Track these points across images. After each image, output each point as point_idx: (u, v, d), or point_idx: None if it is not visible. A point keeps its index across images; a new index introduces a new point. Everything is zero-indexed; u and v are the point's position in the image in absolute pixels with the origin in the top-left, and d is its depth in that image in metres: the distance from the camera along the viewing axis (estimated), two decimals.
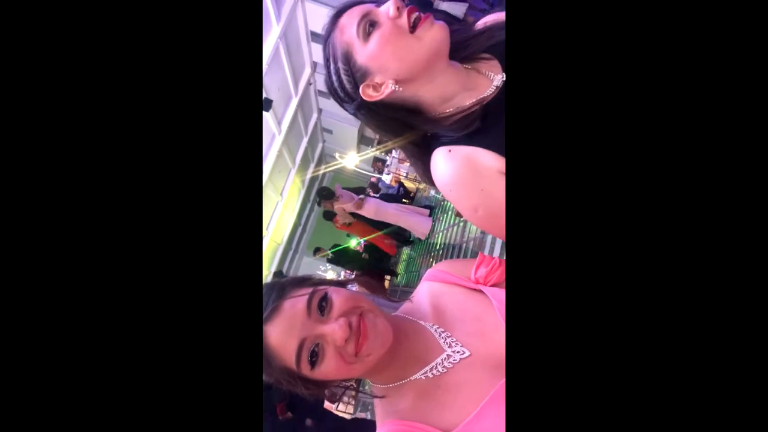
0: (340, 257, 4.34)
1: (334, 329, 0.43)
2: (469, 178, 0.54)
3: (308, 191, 7.49)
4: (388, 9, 0.48)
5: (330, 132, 7.26)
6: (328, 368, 0.44)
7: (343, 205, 3.35)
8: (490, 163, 0.53)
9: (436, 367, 0.48)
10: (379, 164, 6.06)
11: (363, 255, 4.53)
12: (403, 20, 0.48)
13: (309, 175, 7.25)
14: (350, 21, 0.50)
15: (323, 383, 0.46)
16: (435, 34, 0.49)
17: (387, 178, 5.34)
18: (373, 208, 3.39)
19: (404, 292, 3.91)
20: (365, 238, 4.08)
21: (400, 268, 4.89)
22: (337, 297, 0.46)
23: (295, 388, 0.45)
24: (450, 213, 3.26)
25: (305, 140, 6.27)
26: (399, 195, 4.81)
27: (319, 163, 7.63)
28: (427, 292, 0.58)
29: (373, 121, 0.56)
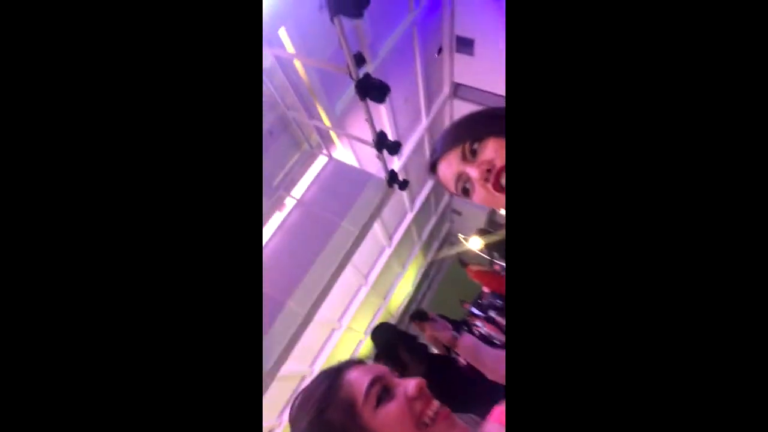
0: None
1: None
2: None
3: (429, 267, 7.51)
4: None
5: (459, 214, 7.36)
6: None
7: (436, 334, 2.59)
8: None
9: None
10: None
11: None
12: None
13: (432, 253, 7.35)
14: None
15: None
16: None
17: None
18: (471, 348, 2.40)
19: None
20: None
21: None
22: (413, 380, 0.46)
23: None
24: None
25: (434, 219, 6.51)
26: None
27: (443, 243, 7.70)
28: None
29: None
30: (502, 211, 0.55)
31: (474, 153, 0.51)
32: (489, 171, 0.50)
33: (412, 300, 7.35)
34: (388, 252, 5.00)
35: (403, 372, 2.36)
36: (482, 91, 4.04)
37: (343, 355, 4.18)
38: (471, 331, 2.72)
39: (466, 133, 0.52)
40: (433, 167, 0.58)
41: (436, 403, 0.45)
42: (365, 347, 4.98)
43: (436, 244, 7.51)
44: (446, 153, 0.54)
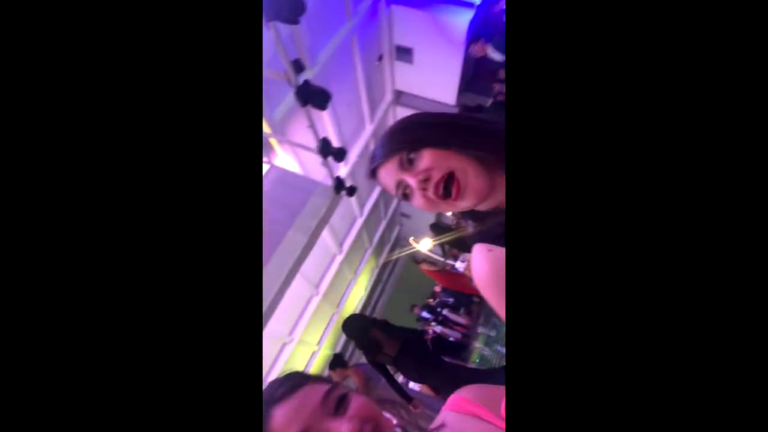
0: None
1: (341, 428, 0.39)
2: (502, 283, 0.51)
3: (381, 272, 7.57)
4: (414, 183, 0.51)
5: (408, 217, 7.53)
6: None
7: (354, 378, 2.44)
8: None
9: None
10: (454, 251, 5.99)
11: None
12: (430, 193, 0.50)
13: (384, 257, 7.42)
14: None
15: None
16: (466, 202, 0.51)
17: (461, 266, 5.20)
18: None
19: None
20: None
21: (475, 356, 4.42)
22: (356, 401, 0.42)
23: None
24: None
25: (384, 223, 6.59)
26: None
27: (394, 246, 7.82)
28: (449, 426, 0.49)
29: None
30: (448, 213, 0.57)
31: (411, 161, 0.53)
32: (426, 180, 0.51)
33: (366, 305, 7.35)
34: (339, 259, 4.95)
35: (380, 352, 2.36)
36: (423, 98, 4.18)
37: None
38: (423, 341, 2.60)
39: (402, 143, 0.54)
40: (372, 173, 0.59)
41: None
42: (319, 359, 4.87)
43: (387, 248, 7.60)
44: (384, 161, 0.55)
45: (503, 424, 0.46)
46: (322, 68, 2.97)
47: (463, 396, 0.51)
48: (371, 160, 0.58)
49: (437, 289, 7.09)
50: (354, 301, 6.38)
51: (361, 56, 3.44)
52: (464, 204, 0.52)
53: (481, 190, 0.51)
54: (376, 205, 5.66)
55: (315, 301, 4.52)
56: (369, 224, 5.76)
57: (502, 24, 3.44)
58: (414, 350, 2.26)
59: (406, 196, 0.55)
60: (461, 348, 5.48)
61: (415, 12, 3.49)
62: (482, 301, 4.82)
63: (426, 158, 0.52)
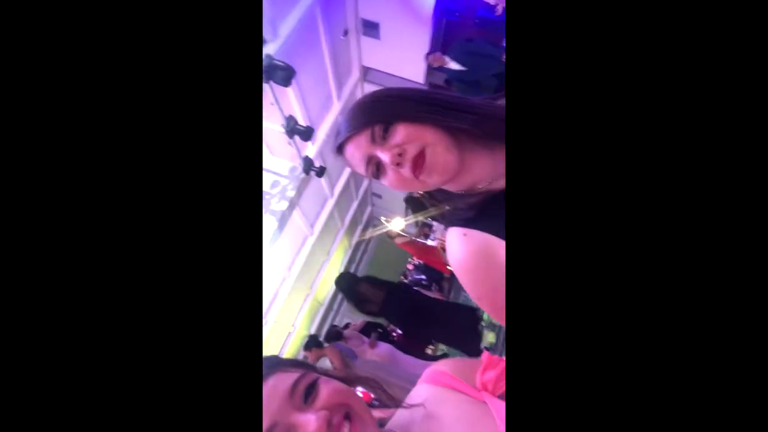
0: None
1: (309, 421, 0.37)
2: (477, 268, 0.51)
3: (354, 252, 7.60)
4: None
5: (379, 197, 7.53)
6: None
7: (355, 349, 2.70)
8: (504, 258, 0.49)
9: None
10: (425, 229, 6.10)
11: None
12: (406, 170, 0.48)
13: (356, 237, 7.44)
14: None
15: None
16: (438, 178, 0.50)
17: (432, 242, 5.31)
18: (387, 356, 2.69)
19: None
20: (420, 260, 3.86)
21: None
22: (325, 387, 0.40)
23: None
24: None
25: (355, 204, 6.56)
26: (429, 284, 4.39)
27: (366, 226, 7.84)
28: (424, 398, 0.49)
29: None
30: (419, 192, 0.56)
31: (384, 136, 0.50)
32: (401, 155, 0.49)
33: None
34: (311, 240, 4.91)
35: (367, 302, 2.53)
36: (391, 75, 4.11)
37: (271, 352, 4.05)
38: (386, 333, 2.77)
39: (374, 116, 0.51)
40: (339, 148, 0.56)
41: None
42: (295, 340, 4.89)
43: (359, 228, 7.60)
44: (354, 135, 0.52)
45: (479, 396, 0.47)
46: (285, 42, 2.84)
47: (439, 369, 0.52)
48: (338, 133, 0.54)
49: (410, 267, 7.22)
50: (328, 281, 6.40)
51: (325, 29, 3.31)
52: (434, 180, 0.51)
53: (450, 165, 0.50)
54: (347, 185, 5.61)
55: (288, 282, 4.50)
56: (340, 204, 5.72)
57: (461, 35, 3.40)
58: (397, 298, 2.50)
59: (376, 174, 0.52)
60: None
61: None
62: (452, 277, 4.97)
63: (401, 132, 0.50)
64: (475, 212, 0.53)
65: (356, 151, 0.53)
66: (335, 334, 3.05)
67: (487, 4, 3.24)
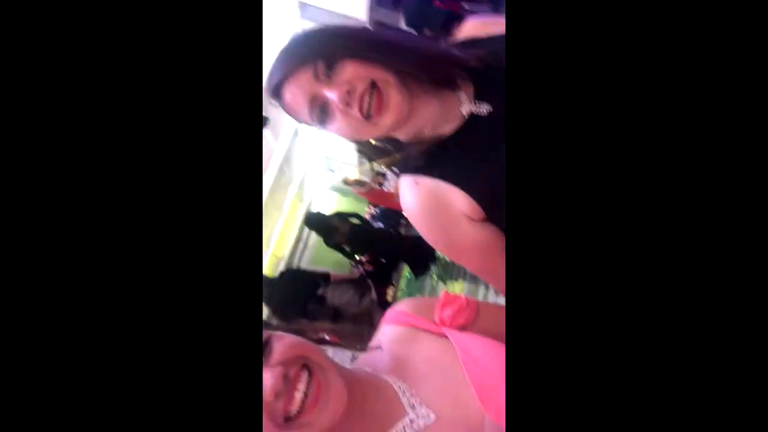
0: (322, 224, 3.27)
1: (264, 379, 0.36)
2: (430, 215, 0.52)
3: (309, 205, 7.50)
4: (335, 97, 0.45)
5: (329, 145, 7.30)
6: None
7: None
8: (456, 203, 0.50)
9: None
10: (379, 178, 6.11)
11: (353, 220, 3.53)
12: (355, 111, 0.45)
13: (309, 188, 7.28)
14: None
15: None
16: (389, 118, 0.48)
17: (387, 186, 5.36)
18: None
19: None
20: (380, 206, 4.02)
21: (402, 284, 4.83)
22: (279, 343, 0.40)
23: None
24: None
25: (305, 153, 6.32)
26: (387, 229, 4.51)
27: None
28: (388, 338, 0.51)
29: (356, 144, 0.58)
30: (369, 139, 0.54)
31: (329, 74, 0.46)
32: (349, 93, 0.46)
33: (297, 240, 7.35)
34: (263, 197, 4.73)
35: (336, 233, 2.86)
36: (331, 12, 3.78)
37: None
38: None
39: (316, 51, 0.47)
40: (276, 91, 0.50)
41: (299, 395, 0.38)
42: None
43: (311, 180, 7.42)
44: (294, 73, 0.47)
45: (439, 330, 0.49)
46: None
47: (400, 309, 0.54)
48: (273, 73, 0.49)
49: (367, 216, 7.29)
50: (284, 239, 6.32)
51: None
52: (385, 121, 0.48)
53: (402, 105, 0.48)
54: (294, 134, 5.34)
55: None
56: (289, 158, 5.48)
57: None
58: (362, 229, 3.01)
59: (321, 118, 0.49)
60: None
61: None
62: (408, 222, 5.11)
63: (348, 68, 0.46)
64: (425, 159, 0.53)
65: (298, 91, 0.48)
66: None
67: None
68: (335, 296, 2.44)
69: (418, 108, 0.51)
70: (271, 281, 2.49)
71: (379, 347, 0.51)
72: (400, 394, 0.44)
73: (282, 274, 2.75)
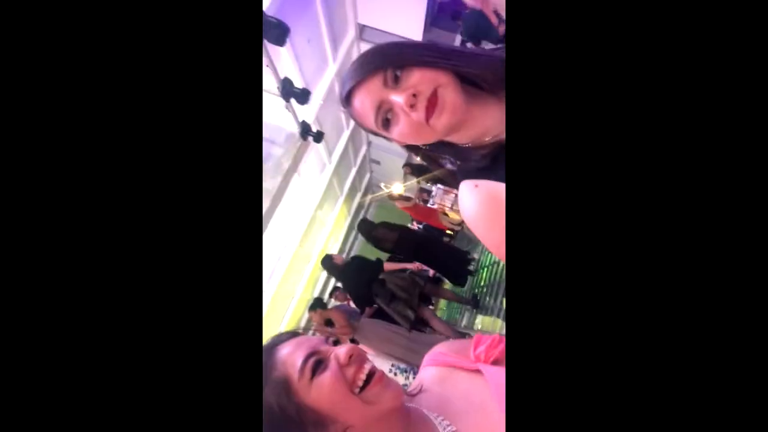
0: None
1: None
2: (493, 216, 0.51)
3: (354, 219, 7.64)
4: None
5: (378, 163, 7.46)
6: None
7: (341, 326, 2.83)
8: None
9: None
10: (424, 195, 6.10)
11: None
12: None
13: (356, 203, 7.44)
14: None
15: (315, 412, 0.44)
16: (445, 119, 0.50)
17: (431, 203, 5.34)
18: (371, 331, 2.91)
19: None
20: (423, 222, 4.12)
21: (442, 304, 4.73)
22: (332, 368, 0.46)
23: (286, 411, 0.44)
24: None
25: (354, 170, 6.50)
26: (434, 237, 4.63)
27: (366, 193, 7.83)
28: (429, 379, 0.55)
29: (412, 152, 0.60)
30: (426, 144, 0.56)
31: (397, 80, 0.49)
32: (415, 96, 0.48)
33: (340, 252, 7.49)
34: (311, 209, 4.91)
35: (384, 241, 3.25)
36: (388, 33, 3.92)
37: (274, 319, 4.16)
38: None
39: (387, 59, 0.50)
40: (347, 98, 0.53)
41: (367, 366, 0.47)
42: (298, 305, 5.02)
43: (358, 196, 7.59)
44: (365, 80, 0.50)
45: (474, 366, 0.52)
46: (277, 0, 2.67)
47: (439, 351, 0.57)
48: (347, 81, 0.52)
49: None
50: (328, 250, 6.48)
51: None
52: (443, 121, 0.50)
53: (459, 106, 0.49)
54: (345, 151, 5.53)
55: (289, 250, 4.54)
56: (339, 171, 5.67)
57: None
58: (407, 238, 3.28)
59: (386, 124, 0.51)
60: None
61: None
62: (453, 237, 5.03)
63: (415, 75, 0.49)
64: (485, 163, 0.54)
65: (367, 97, 0.51)
66: (319, 304, 3.26)
67: None
68: (392, 281, 2.96)
69: (477, 114, 0.52)
70: (342, 268, 3.19)
71: (420, 391, 0.54)
72: (441, 429, 0.47)
73: (348, 263, 3.31)
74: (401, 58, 0.50)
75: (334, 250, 6.88)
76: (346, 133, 5.35)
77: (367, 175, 7.87)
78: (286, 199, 3.09)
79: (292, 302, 5.03)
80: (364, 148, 6.84)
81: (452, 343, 0.60)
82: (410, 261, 3.37)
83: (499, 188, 0.51)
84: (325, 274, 6.66)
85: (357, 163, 6.59)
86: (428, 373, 0.56)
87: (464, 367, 0.53)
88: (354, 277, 3.15)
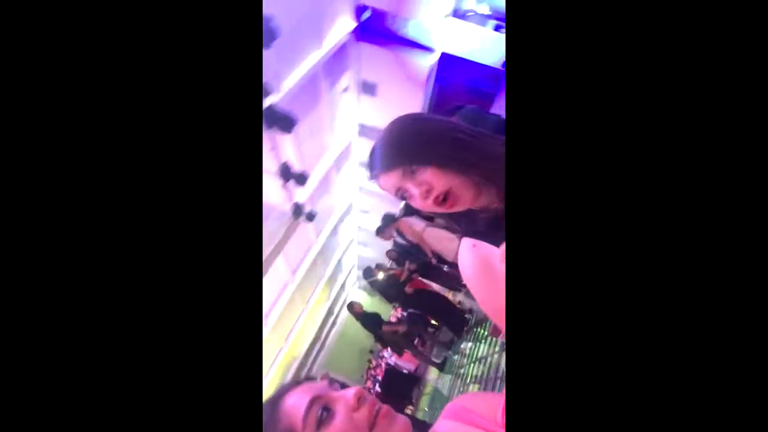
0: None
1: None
2: (482, 277, 0.56)
3: (333, 303, 7.36)
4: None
5: (365, 246, 7.51)
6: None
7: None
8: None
9: None
10: (413, 272, 6.01)
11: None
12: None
13: (337, 286, 7.24)
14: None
15: None
16: (458, 208, 0.57)
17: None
18: None
19: None
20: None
21: (424, 403, 4.32)
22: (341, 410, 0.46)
23: None
24: (483, 342, 3.01)
25: (340, 251, 6.49)
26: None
27: (349, 275, 7.68)
28: None
29: None
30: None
31: (414, 172, 0.59)
32: (428, 192, 0.57)
33: (315, 339, 7.03)
34: (291, 288, 4.74)
35: (385, 291, 3.45)
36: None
37: None
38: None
39: (407, 157, 0.60)
40: (374, 177, 0.64)
41: (376, 406, 0.46)
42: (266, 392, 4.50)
43: (342, 278, 7.44)
44: (388, 171, 0.60)
45: (499, 430, 0.48)
46: (288, 95, 2.98)
47: (463, 405, 0.53)
48: (373, 167, 0.62)
49: (392, 318, 6.98)
50: (304, 334, 6.08)
51: (327, 86, 3.51)
52: (455, 209, 0.59)
53: (469, 199, 0.59)
54: (333, 232, 5.58)
55: (263, 331, 4.25)
56: (324, 251, 5.64)
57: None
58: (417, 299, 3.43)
59: (404, 198, 0.61)
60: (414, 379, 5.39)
61: (382, 50, 3.67)
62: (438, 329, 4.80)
63: (429, 174, 0.58)
64: (486, 227, 0.60)
65: (388, 182, 0.61)
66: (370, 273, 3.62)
67: (488, 78, 3.47)
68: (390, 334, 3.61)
69: (486, 193, 0.60)
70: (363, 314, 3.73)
71: None
72: None
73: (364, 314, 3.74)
74: (418, 156, 0.60)
75: (308, 338, 6.44)
76: (337, 214, 5.47)
77: (354, 257, 7.83)
78: (267, 278, 3.00)
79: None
80: (353, 230, 6.92)
81: (476, 397, 0.55)
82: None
83: (492, 252, 0.56)
84: (292, 369, 6.07)
85: (345, 244, 6.60)
86: (445, 426, 0.52)
87: (489, 430, 0.48)
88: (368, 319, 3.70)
